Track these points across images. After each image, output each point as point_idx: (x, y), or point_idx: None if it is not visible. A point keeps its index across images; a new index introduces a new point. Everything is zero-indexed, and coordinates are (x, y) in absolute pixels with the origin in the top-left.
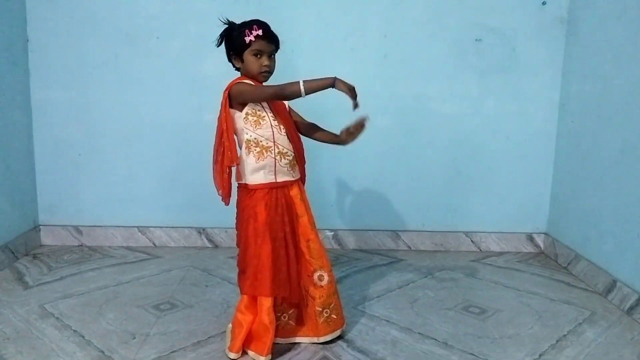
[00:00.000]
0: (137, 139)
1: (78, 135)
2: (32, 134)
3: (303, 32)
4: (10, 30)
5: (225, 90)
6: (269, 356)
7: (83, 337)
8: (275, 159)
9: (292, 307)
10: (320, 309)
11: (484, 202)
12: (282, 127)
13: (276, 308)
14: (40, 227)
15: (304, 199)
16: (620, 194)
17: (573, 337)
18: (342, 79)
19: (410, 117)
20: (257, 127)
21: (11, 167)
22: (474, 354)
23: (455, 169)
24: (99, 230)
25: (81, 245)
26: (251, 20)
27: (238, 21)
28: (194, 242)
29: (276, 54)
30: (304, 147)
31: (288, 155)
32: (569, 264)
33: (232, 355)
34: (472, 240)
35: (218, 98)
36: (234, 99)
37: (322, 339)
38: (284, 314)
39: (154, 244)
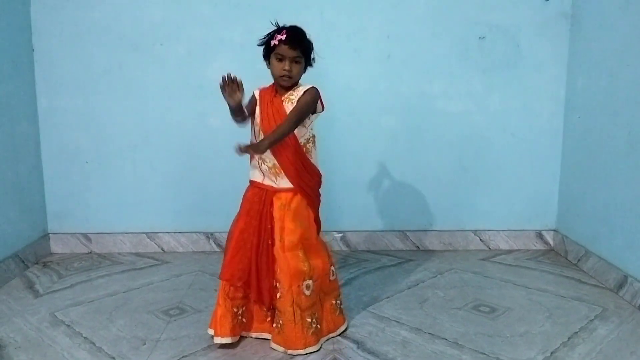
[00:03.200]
0: (144, 145)
1: (85, 142)
2: (39, 143)
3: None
4: (15, 40)
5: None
6: (216, 334)
7: (94, 344)
8: (258, 162)
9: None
10: (277, 317)
11: (491, 200)
12: (261, 131)
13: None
14: (50, 235)
15: (288, 210)
16: (629, 188)
17: (585, 334)
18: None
19: (415, 116)
20: (252, 130)
21: (20, 176)
22: (485, 353)
23: (462, 167)
24: (108, 237)
25: (90, 253)
26: (285, 26)
27: (239, 26)
28: (202, 246)
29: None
30: (299, 159)
31: (266, 162)
32: (579, 260)
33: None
34: (480, 239)
35: (223, 103)
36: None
37: (273, 345)
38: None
39: (162, 249)
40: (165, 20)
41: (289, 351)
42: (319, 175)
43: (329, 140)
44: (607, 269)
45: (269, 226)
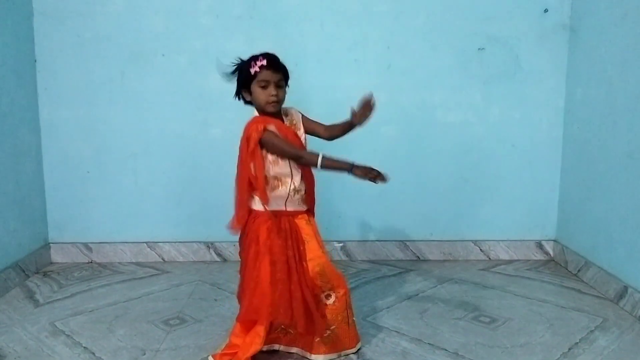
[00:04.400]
0: (145, 155)
1: (86, 152)
2: (41, 153)
3: (307, 45)
4: (18, 51)
5: (250, 133)
6: None
7: (94, 354)
8: (289, 194)
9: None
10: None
11: (491, 210)
12: (298, 165)
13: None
14: (51, 244)
15: (311, 225)
16: (628, 198)
17: (585, 344)
18: (359, 165)
19: (415, 126)
20: (276, 165)
21: (21, 185)
22: None
23: (462, 177)
24: (108, 246)
25: (91, 262)
26: (258, 54)
27: (240, 37)
28: (202, 256)
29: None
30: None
31: (301, 192)
32: (579, 270)
33: None
34: (480, 249)
35: (224, 113)
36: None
37: (314, 357)
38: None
39: (162, 259)
40: (167, 31)
41: (343, 353)
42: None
43: (328, 149)
44: (607, 279)
45: (300, 248)
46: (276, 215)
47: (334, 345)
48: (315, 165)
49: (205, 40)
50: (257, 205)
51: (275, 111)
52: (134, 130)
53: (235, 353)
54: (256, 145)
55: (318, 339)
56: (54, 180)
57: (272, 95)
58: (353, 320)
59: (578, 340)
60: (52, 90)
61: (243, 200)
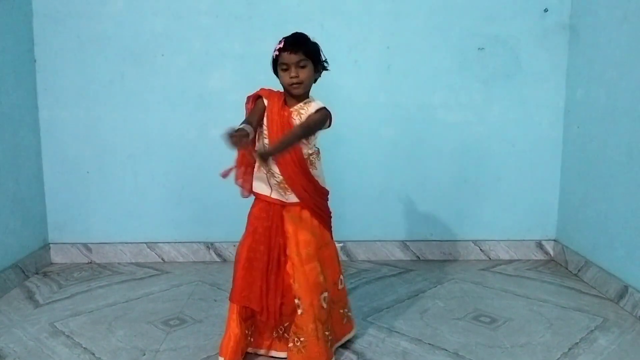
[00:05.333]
0: (145, 156)
1: (86, 153)
2: (40, 153)
3: None
4: (17, 51)
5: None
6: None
7: (93, 354)
8: (266, 175)
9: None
10: (293, 335)
11: (492, 210)
12: (269, 143)
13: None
14: (50, 245)
15: (300, 222)
16: (628, 198)
17: (585, 344)
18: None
19: (415, 126)
20: (259, 139)
21: (21, 186)
22: None
23: (462, 177)
24: (108, 247)
25: (91, 263)
26: (284, 37)
27: (240, 37)
28: (202, 257)
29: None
30: (304, 176)
31: (275, 177)
32: (579, 270)
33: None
34: (481, 249)
35: (224, 113)
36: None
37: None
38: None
39: (162, 259)
40: (167, 31)
41: None
42: (325, 191)
43: (329, 150)
44: (608, 279)
45: (281, 241)
46: (266, 201)
47: (304, 358)
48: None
49: (205, 41)
50: (254, 185)
51: (300, 93)
52: (134, 131)
53: (228, 336)
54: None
55: (294, 347)
56: (53, 180)
57: (292, 77)
58: (325, 334)
59: (578, 340)
60: (52, 91)
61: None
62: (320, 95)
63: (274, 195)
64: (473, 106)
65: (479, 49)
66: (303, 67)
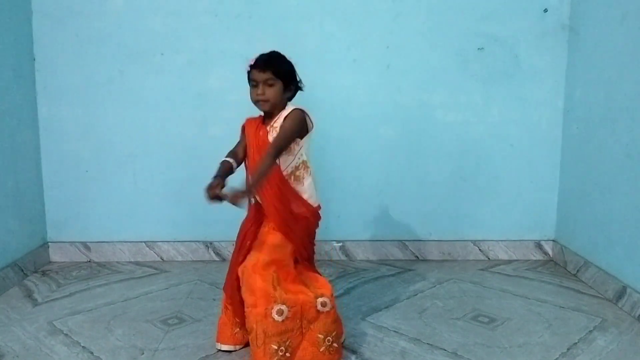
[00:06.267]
0: (144, 155)
1: (85, 151)
2: (39, 152)
3: (306, 45)
4: (17, 50)
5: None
6: (216, 340)
7: (92, 353)
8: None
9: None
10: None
11: (491, 210)
12: (250, 158)
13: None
14: (49, 244)
15: (275, 231)
16: (627, 198)
17: (584, 345)
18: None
19: (414, 126)
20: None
21: (20, 184)
22: None
23: (461, 177)
24: (107, 246)
25: (89, 262)
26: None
27: (239, 36)
28: (201, 256)
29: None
30: (284, 201)
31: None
32: (578, 270)
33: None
34: (480, 249)
35: (223, 112)
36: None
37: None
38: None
39: (161, 258)
40: (166, 30)
41: None
42: (311, 212)
43: (328, 150)
44: (606, 279)
45: (248, 243)
46: (255, 206)
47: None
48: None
49: (205, 40)
50: None
51: (265, 110)
52: (133, 130)
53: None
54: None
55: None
56: (52, 179)
57: (258, 95)
58: (271, 347)
59: (577, 341)
60: (51, 89)
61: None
62: (319, 95)
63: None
64: (472, 106)
65: (478, 48)
66: (271, 85)
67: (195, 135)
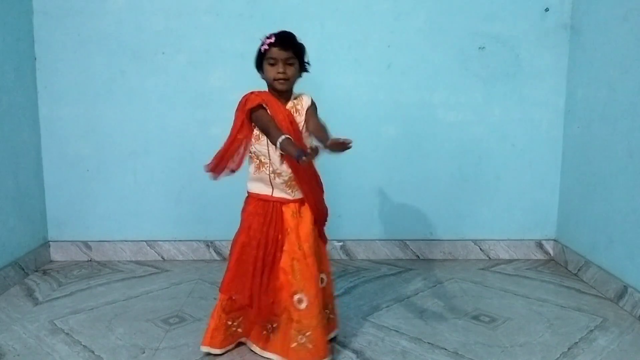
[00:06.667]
0: (144, 154)
1: (86, 151)
2: (40, 151)
3: (307, 44)
4: (18, 49)
5: (245, 105)
6: (207, 347)
7: (93, 352)
8: (269, 175)
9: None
10: (296, 333)
11: (491, 209)
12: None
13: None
14: (50, 243)
15: (296, 218)
16: (628, 198)
17: (585, 344)
18: (304, 152)
19: (415, 126)
20: (257, 141)
21: (20, 183)
22: None
23: (462, 176)
24: (108, 245)
25: (90, 261)
26: (273, 32)
27: (240, 35)
28: (202, 255)
29: (299, 62)
30: (315, 172)
31: (283, 176)
32: (579, 270)
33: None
34: (480, 249)
35: (224, 111)
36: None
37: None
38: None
39: (162, 257)
40: (167, 29)
41: None
42: (321, 188)
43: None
44: (607, 279)
45: (279, 237)
46: (264, 200)
47: (310, 354)
48: (275, 145)
49: (206, 39)
50: (250, 186)
51: (284, 89)
52: (134, 129)
53: (209, 323)
54: (247, 116)
55: (294, 345)
56: (53, 178)
57: (279, 73)
58: (325, 323)
59: (578, 340)
60: (52, 89)
61: (224, 159)
62: (320, 94)
63: (276, 194)
64: (473, 105)
65: (479, 48)
66: (290, 64)
67: (196, 134)
